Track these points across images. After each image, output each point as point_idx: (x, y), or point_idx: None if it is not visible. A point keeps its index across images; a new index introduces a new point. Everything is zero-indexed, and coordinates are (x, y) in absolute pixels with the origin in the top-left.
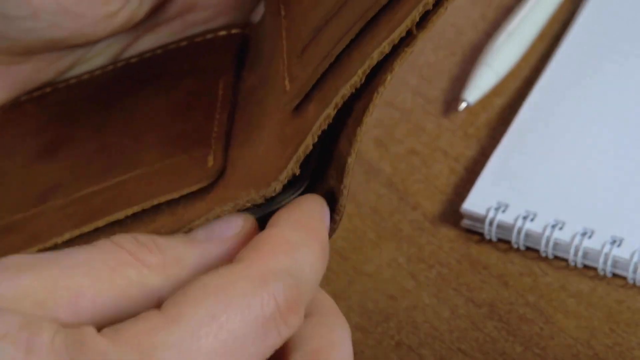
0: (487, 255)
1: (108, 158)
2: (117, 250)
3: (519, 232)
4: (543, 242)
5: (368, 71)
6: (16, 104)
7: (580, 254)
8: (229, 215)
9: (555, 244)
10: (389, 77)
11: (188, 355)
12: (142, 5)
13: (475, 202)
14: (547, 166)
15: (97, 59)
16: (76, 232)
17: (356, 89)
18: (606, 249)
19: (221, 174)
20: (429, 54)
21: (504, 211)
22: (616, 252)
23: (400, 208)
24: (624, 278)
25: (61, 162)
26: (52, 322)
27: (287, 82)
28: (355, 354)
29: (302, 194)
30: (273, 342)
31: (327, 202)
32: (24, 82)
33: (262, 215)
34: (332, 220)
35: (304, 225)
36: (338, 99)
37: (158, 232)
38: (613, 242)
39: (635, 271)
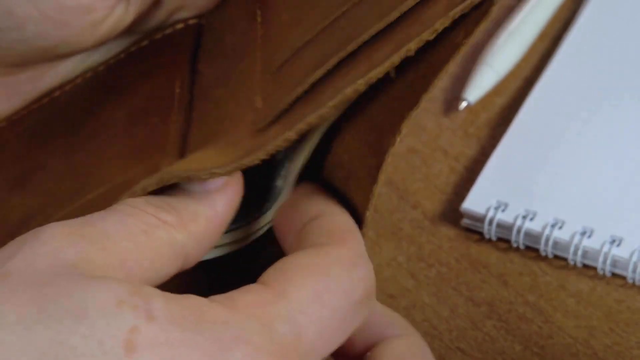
0: (486, 254)
1: (76, 179)
2: (142, 213)
3: (518, 231)
4: (542, 241)
5: (340, 106)
6: None
7: (579, 253)
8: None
9: (555, 243)
10: (398, 139)
11: (300, 330)
12: (128, 12)
13: (475, 202)
14: (547, 165)
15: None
16: None
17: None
18: (606, 249)
19: None
20: None
21: (503, 210)
22: (616, 251)
23: (400, 207)
24: (624, 277)
25: (33, 191)
26: (157, 290)
27: (258, 98)
28: None
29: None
30: (357, 323)
31: None
32: (24, 91)
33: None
34: None
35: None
36: (302, 126)
37: None
38: (612, 241)
39: (634, 271)
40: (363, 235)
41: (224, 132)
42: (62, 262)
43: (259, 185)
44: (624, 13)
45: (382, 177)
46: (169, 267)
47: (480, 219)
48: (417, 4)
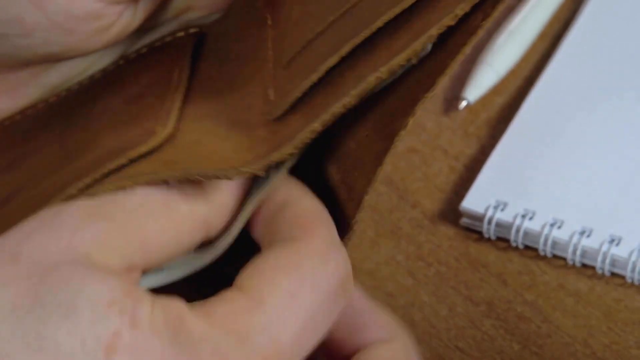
0: (485, 253)
1: (67, 155)
2: (163, 188)
3: (517, 230)
4: (542, 240)
5: (363, 94)
6: None
7: (578, 252)
8: None
9: (554, 243)
10: (410, 121)
11: (278, 336)
12: (136, 15)
13: (475, 201)
14: (547, 165)
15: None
16: None
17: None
18: (605, 248)
19: (169, 139)
20: None
21: (502, 210)
22: (615, 251)
23: (399, 206)
24: (623, 277)
25: (22, 171)
26: (146, 291)
27: (271, 92)
28: None
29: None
30: (339, 309)
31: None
32: (25, 86)
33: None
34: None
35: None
36: (327, 116)
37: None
38: (611, 241)
39: (633, 270)
40: (363, 232)
41: (223, 115)
42: (75, 247)
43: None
44: (624, 13)
45: (386, 160)
46: (192, 239)
47: (480, 218)
48: None
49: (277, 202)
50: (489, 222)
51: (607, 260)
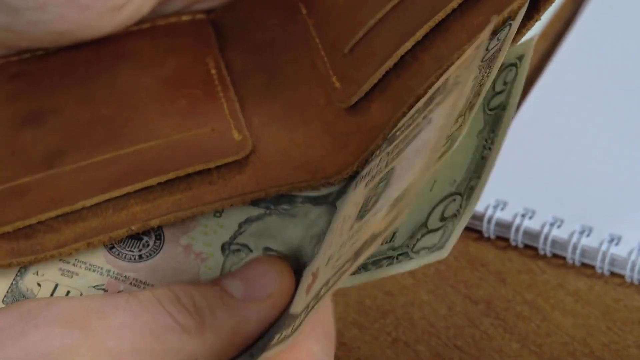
0: (485, 252)
1: (109, 128)
2: (159, 312)
3: (517, 229)
4: (541, 239)
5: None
6: None
7: (578, 252)
8: (267, 264)
9: (554, 242)
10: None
11: None
12: (147, 0)
13: None
14: (546, 164)
15: None
16: (105, 197)
17: None
18: (604, 247)
19: (252, 149)
20: None
21: (502, 209)
22: (614, 250)
23: None
24: (622, 276)
25: (52, 130)
26: None
27: (334, 80)
28: (351, 350)
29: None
30: None
31: None
32: None
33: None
34: None
35: (323, 332)
36: (413, 99)
37: (198, 199)
38: (611, 240)
39: (632, 269)
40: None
41: (293, 114)
42: (44, 353)
43: None
44: (625, 13)
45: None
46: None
47: (479, 217)
48: None
49: None
50: (489, 221)
51: (607, 260)
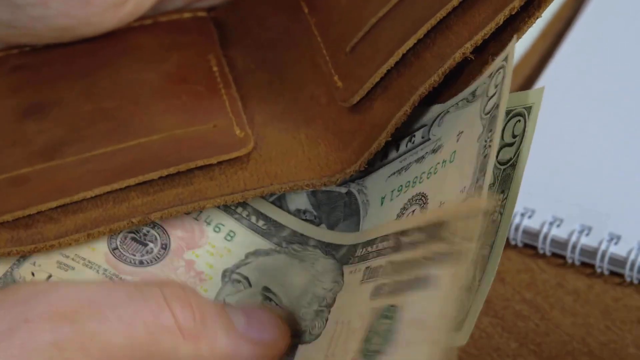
0: None
1: (112, 121)
2: (164, 311)
3: (517, 228)
4: (541, 239)
5: (447, 71)
6: None
7: (577, 251)
8: (274, 315)
9: (553, 241)
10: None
11: None
12: None
13: None
14: (546, 163)
15: None
16: (106, 189)
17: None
18: (603, 247)
19: (254, 146)
20: None
21: None
22: (613, 249)
23: None
24: (621, 276)
25: (54, 122)
26: None
27: (336, 79)
28: None
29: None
30: None
31: None
32: None
33: None
34: None
35: None
36: (416, 97)
37: (200, 193)
38: (610, 239)
39: (632, 269)
40: None
41: (293, 112)
42: (31, 350)
43: None
44: (625, 12)
45: None
46: None
47: None
48: None
49: None
50: None
51: (606, 259)
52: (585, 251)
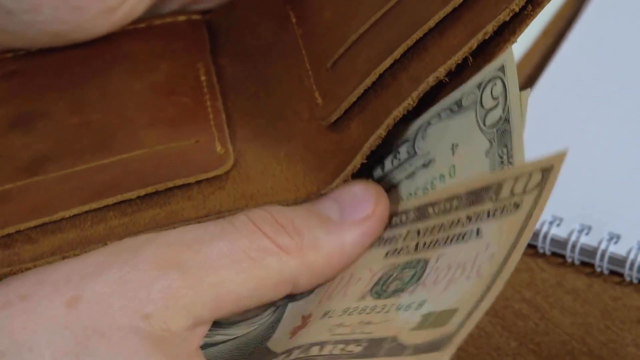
0: None
1: (96, 135)
2: (256, 234)
3: None
4: (540, 238)
5: (421, 94)
6: None
7: (577, 250)
8: (362, 186)
9: (553, 240)
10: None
11: None
12: (141, 1)
13: None
14: None
15: None
16: (85, 208)
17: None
18: (603, 246)
19: (234, 164)
20: None
21: None
22: (613, 249)
23: None
24: (621, 275)
25: (40, 135)
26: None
27: (317, 95)
28: None
29: None
30: None
31: None
32: None
33: None
34: None
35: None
36: (390, 120)
37: (176, 214)
38: (610, 239)
39: (631, 268)
40: None
41: (277, 129)
42: (137, 308)
43: None
44: (627, 11)
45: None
46: (274, 294)
47: None
48: None
49: None
50: None
51: (606, 258)
52: (584, 250)
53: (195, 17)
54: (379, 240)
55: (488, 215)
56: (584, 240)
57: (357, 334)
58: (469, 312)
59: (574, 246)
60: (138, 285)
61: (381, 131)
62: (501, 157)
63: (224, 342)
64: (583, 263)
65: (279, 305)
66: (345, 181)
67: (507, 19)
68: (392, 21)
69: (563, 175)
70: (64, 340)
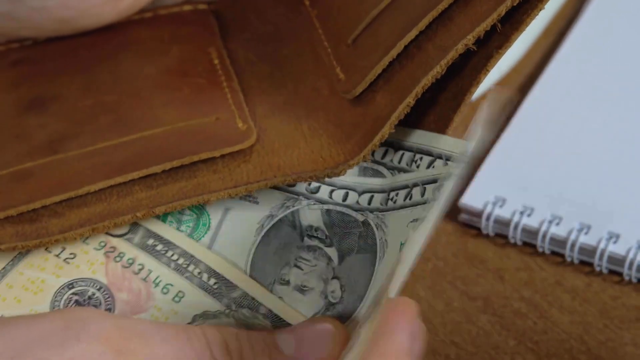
0: (483, 249)
1: (113, 115)
2: (204, 351)
3: (516, 227)
4: (540, 237)
5: (450, 63)
6: None
7: (576, 249)
8: (323, 325)
9: (552, 240)
10: (483, 77)
11: None
12: None
13: (473, 197)
14: (546, 162)
15: None
16: (110, 182)
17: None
18: (602, 245)
19: (257, 139)
20: None
21: (501, 206)
22: (612, 248)
23: None
24: (620, 274)
25: (56, 116)
26: None
27: (339, 71)
28: None
29: None
30: None
31: None
32: None
33: None
34: None
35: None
36: (419, 89)
37: (203, 186)
38: (609, 238)
39: (630, 267)
40: None
41: (296, 104)
42: None
43: None
44: (627, 11)
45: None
46: None
47: (478, 214)
48: None
49: None
50: (488, 218)
51: (605, 258)
52: (584, 249)
53: (202, 6)
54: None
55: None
56: (583, 239)
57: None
58: None
59: (573, 245)
60: (79, 355)
61: (410, 99)
62: None
63: None
64: (582, 262)
65: None
66: (315, 320)
67: None
68: None
69: (563, 175)
70: None
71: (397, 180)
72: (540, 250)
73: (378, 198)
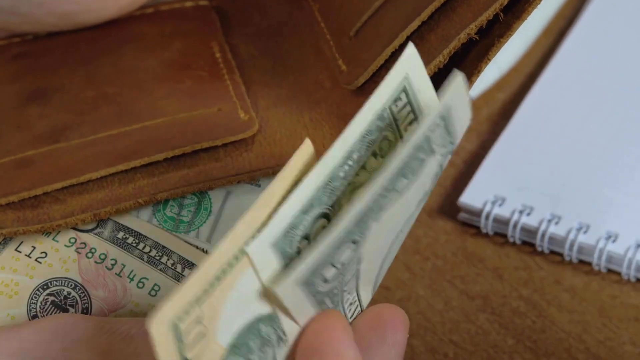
0: (482, 248)
1: (115, 106)
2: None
3: (515, 226)
4: (539, 236)
5: (452, 52)
6: None
7: (575, 248)
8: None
9: (551, 239)
10: (484, 66)
11: None
12: None
13: (473, 196)
14: (545, 161)
15: None
16: (111, 170)
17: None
18: (601, 244)
19: (259, 129)
20: None
21: (500, 205)
22: (611, 247)
23: None
24: (619, 273)
25: (58, 107)
26: None
27: (341, 63)
28: None
29: None
30: None
31: None
32: None
33: None
34: None
35: None
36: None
37: (206, 174)
38: (608, 237)
39: (629, 267)
40: None
41: (297, 96)
42: None
43: None
44: (627, 11)
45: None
46: None
47: (477, 213)
48: None
49: None
50: (487, 217)
51: (604, 257)
52: (583, 249)
53: (203, 2)
54: None
55: None
56: (582, 238)
57: None
58: None
59: (572, 244)
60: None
61: None
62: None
63: None
64: (581, 261)
65: None
66: None
67: None
68: None
69: (562, 174)
70: None
71: None
72: (539, 249)
73: None
